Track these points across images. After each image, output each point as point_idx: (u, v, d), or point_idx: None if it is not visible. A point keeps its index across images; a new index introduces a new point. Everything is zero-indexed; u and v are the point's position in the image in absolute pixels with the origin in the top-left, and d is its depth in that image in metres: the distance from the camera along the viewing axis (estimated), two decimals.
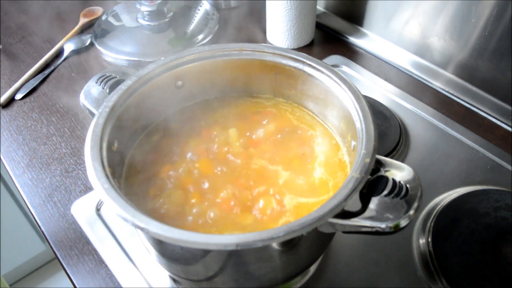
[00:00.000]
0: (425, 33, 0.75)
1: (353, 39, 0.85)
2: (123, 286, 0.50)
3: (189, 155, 0.47)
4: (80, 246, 0.54)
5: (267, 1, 0.80)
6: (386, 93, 0.73)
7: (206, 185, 0.44)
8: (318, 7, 0.92)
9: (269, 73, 0.50)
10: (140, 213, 0.33)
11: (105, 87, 0.46)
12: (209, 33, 0.85)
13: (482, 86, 0.71)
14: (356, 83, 0.47)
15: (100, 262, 0.52)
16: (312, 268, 0.50)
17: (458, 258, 0.49)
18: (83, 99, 0.46)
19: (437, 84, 0.74)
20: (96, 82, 0.47)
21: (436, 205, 0.56)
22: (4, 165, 0.65)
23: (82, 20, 0.94)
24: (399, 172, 0.37)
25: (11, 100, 0.76)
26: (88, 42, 0.87)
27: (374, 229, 0.34)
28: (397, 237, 0.53)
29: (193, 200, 0.43)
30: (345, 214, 0.35)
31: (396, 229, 0.34)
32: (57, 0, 1.03)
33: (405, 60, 0.79)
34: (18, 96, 0.76)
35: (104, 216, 0.56)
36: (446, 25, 0.71)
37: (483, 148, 0.63)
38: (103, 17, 0.90)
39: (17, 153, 0.66)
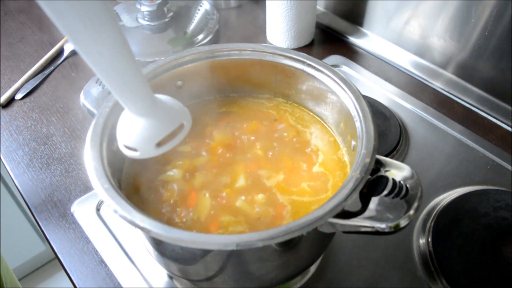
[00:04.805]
0: (425, 33, 0.75)
1: (353, 39, 0.85)
2: (123, 286, 0.50)
3: (189, 155, 0.47)
4: (80, 246, 0.54)
5: (267, 1, 0.80)
6: (386, 93, 0.73)
7: (207, 185, 0.44)
8: (318, 7, 0.92)
9: (269, 73, 0.50)
10: (140, 213, 0.33)
11: (105, 87, 0.46)
12: (209, 33, 0.85)
13: (482, 86, 0.71)
14: (356, 83, 0.47)
15: (100, 262, 0.52)
16: (312, 268, 0.50)
17: (458, 258, 0.49)
18: (83, 99, 0.46)
19: (437, 84, 0.74)
20: (96, 82, 0.47)
21: (436, 205, 0.56)
22: (4, 165, 0.65)
23: None
24: (399, 172, 0.37)
25: (11, 100, 0.76)
26: None
27: (374, 229, 0.34)
28: (397, 237, 0.53)
29: (194, 200, 0.43)
30: (345, 214, 0.35)
31: (396, 229, 0.34)
32: None
33: (405, 60, 0.79)
34: (18, 96, 0.76)
35: (104, 216, 0.56)
36: (446, 25, 0.71)
37: (483, 148, 0.63)
38: None
39: (17, 153, 0.66)
